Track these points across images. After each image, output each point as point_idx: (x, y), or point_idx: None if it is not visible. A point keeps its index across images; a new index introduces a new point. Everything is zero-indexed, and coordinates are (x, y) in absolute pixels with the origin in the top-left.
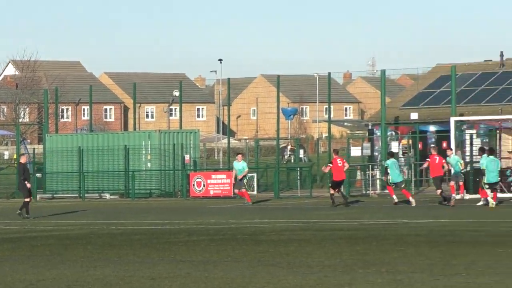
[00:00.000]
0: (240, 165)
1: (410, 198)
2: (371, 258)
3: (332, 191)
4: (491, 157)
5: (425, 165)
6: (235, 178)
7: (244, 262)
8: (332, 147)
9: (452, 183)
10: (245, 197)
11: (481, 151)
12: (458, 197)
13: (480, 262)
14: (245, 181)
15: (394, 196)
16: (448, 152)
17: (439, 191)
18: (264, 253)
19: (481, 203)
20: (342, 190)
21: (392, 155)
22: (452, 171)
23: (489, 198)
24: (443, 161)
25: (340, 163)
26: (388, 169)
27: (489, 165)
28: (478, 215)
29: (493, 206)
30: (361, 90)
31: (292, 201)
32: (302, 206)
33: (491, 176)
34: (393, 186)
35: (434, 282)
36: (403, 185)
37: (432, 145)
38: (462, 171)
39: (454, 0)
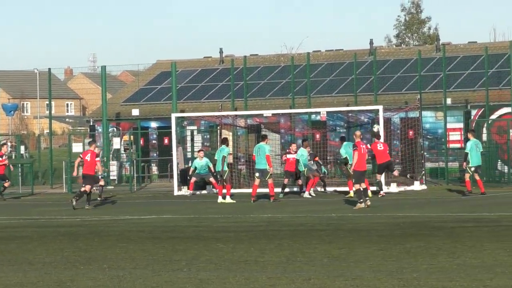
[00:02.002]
0: None
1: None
2: (93, 254)
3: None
4: (261, 143)
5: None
6: None
7: None
8: (54, 143)
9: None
10: None
11: (341, 140)
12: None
13: (201, 258)
14: None
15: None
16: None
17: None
18: None
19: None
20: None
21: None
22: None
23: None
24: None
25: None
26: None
27: (255, 151)
28: (199, 211)
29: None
30: (82, 86)
31: (13, 198)
32: (24, 203)
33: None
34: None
35: (156, 278)
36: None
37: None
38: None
39: None
